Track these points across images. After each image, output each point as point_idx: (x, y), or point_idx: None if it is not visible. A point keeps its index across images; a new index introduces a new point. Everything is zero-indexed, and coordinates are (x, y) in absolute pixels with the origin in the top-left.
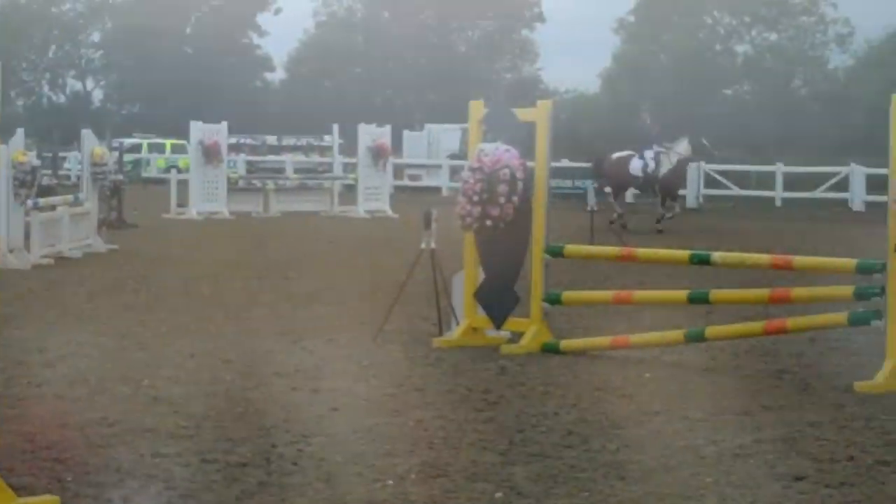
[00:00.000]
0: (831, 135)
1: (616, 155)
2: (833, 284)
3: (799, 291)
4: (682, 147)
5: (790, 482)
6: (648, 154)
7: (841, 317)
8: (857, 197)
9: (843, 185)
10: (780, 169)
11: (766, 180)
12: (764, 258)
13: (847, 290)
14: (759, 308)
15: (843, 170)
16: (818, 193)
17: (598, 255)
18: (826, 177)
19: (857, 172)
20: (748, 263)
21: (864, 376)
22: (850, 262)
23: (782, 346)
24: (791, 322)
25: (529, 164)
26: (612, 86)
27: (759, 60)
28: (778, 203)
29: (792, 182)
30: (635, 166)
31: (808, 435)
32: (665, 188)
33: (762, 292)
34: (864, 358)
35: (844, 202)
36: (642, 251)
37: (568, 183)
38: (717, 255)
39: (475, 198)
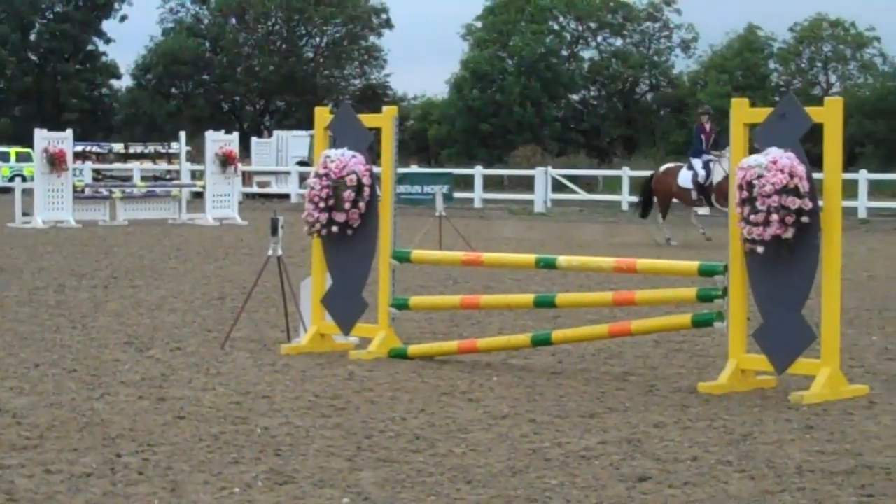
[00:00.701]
0: (676, 139)
1: (663, 167)
2: (677, 287)
3: (643, 294)
4: None
5: (634, 483)
6: (697, 163)
7: (685, 319)
8: None
9: None
10: (626, 173)
11: (613, 184)
12: (608, 262)
13: (690, 292)
14: (606, 311)
15: None
16: None
17: (446, 261)
18: None
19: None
20: (592, 267)
21: (708, 377)
22: (692, 264)
23: (628, 348)
24: (635, 325)
25: (376, 169)
26: (460, 91)
27: (604, 66)
28: (625, 207)
29: (639, 186)
30: (685, 178)
31: (653, 436)
32: (722, 197)
33: (606, 295)
34: (708, 359)
35: None
36: (488, 256)
37: (417, 189)
38: (562, 260)
39: (321, 204)
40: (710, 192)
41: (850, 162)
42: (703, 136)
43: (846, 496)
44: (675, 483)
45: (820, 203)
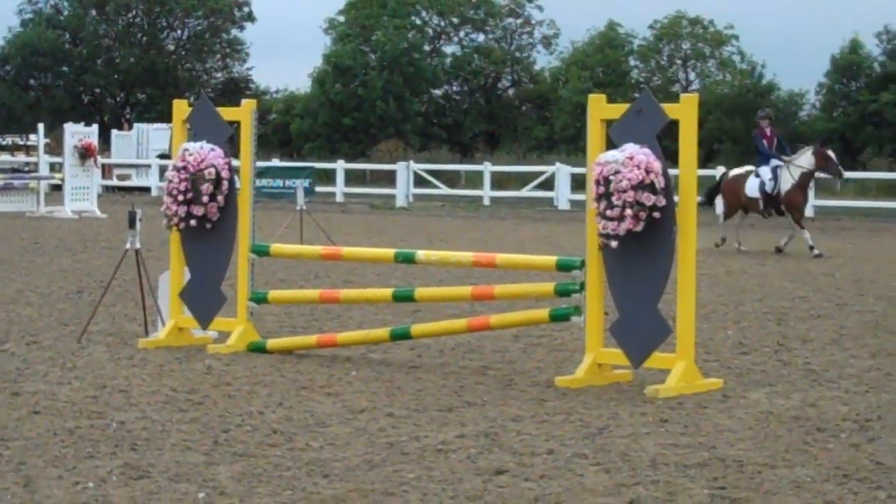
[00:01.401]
0: (538, 134)
1: (732, 173)
2: (537, 282)
3: (501, 289)
4: (805, 159)
5: (491, 476)
6: (765, 172)
7: (542, 313)
8: (563, 195)
9: (549, 183)
10: (487, 168)
11: (475, 179)
12: (467, 256)
13: (549, 286)
14: (466, 306)
15: (549, 169)
16: (525, 192)
17: (305, 255)
18: (533, 176)
19: (563, 171)
20: (452, 262)
21: (566, 371)
22: (550, 259)
23: (487, 342)
24: (494, 319)
25: (235, 163)
26: (323, 85)
27: (467, 61)
28: (486, 202)
29: (500, 181)
30: (752, 187)
31: (510, 429)
32: (791, 206)
33: (465, 290)
34: (566, 353)
35: (550, 200)
36: (347, 250)
37: (279, 183)
38: (421, 254)
39: (180, 197)
40: (778, 202)
41: (709, 158)
42: (764, 142)
43: (699, 488)
44: (532, 476)
45: (675, 198)
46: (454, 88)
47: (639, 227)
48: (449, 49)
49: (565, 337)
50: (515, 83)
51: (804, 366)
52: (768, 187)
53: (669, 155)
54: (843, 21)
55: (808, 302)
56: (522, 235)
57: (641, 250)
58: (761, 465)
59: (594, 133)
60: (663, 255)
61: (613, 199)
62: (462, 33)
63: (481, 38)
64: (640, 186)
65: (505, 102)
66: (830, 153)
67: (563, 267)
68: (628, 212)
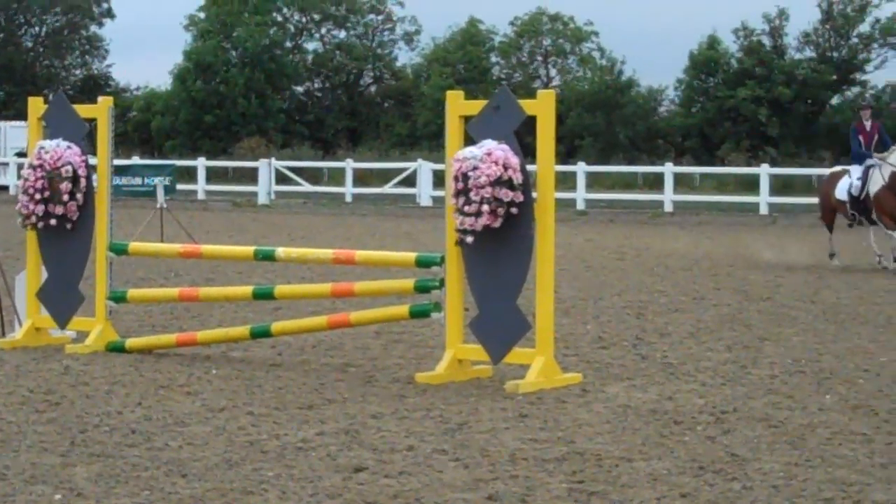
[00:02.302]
0: (400, 131)
1: (830, 171)
2: (399, 278)
3: (362, 286)
4: None
5: (350, 473)
6: (856, 171)
7: (402, 310)
8: (425, 192)
9: (411, 180)
10: (350, 165)
11: (338, 176)
12: (327, 253)
13: (408, 283)
14: (327, 303)
15: (411, 165)
16: (388, 189)
17: (164, 253)
18: (395, 172)
19: (425, 168)
20: (311, 259)
21: (426, 367)
22: (410, 255)
23: (348, 339)
24: (354, 316)
25: (93, 160)
26: (184, 82)
27: (328, 57)
28: (349, 199)
29: (362, 178)
30: (841, 188)
31: (370, 426)
32: (881, 210)
33: (325, 287)
34: (427, 349)
35: (413, 197)
36: (207, 248)
37: (138, 180)
38: (280, 251)
39: (37, 196)
40: (868, 206)
41: (570, 154)
42: (860, 138)
43: (557, 483)
44: (391, 473)
45: (534, 194)
46: (316, 85)
47: (497, 224)
48: (311, 46)
49: (426, 333)
50: (377, 80)
51: (662, 359)
52: (854, 189)
53: (529, 151)
54: (700, 18)
55: (666, 296)
56: (384, 232)
57: (500, 246)
58: (618, 459)
59: (452, 129)
60: (522, 251)
61: (472, 195)
62: (324, 30)
63: (343, 34)
64: (498, 182)
65: (367, 99)
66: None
67: (423, 263)
68: (486, 208)
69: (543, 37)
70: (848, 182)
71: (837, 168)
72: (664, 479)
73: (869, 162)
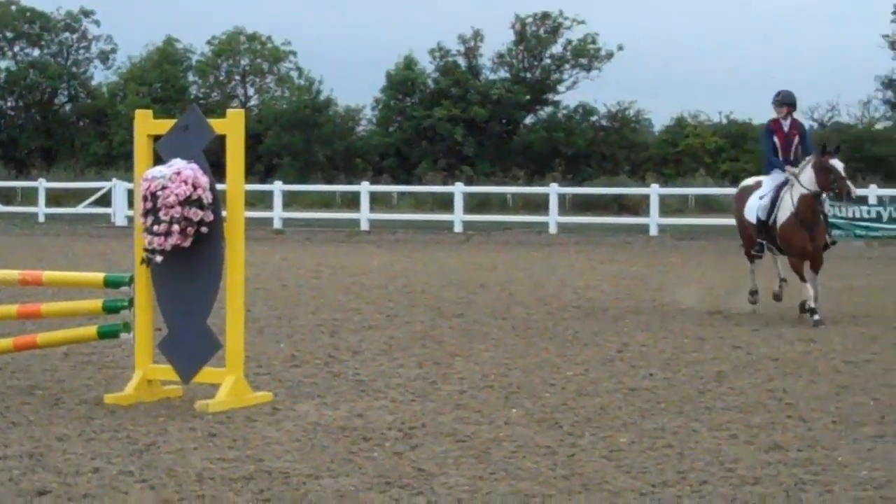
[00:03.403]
0: (96, 150)
1: (744, 183)
2: (90, 298)
3: (49, 307)
4: (806, 176)
5: (34, 497)
6: (767, 185)
7: (90, 331)
8: (120, 211)
9: (106, 199)
10: (42, 184)
11: (31, 196)
12: (13, 274)
13: (97, 303)
14: (16, 324)
15: (106, 185)
16: (81, 209)
17: None
18: (90, 192)
19: (120, 187)
20: None
21: (116, 388)
22: (98, 276)
23: (36, 361)
24: (41, 337)
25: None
26: None
27: (21, 76)
28: (41, 219)
29: (56, 197)
30: (751, 207)
31: (55, 449)
32: (788, 244)
33: (11, 308)
34: (117, 370)
35: (108, 217)
36: None
37: None
38: None
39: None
40: (773, 234)
41: (269, 173)
42: (775, 140)
43: (244, 501)
44: (75, 496)
45: (224, 213)
46: (9, 104)
47: (187, 243)
48: (3, 64)
49: (117, 354)
50: (73, 98)
51: (354, 377)
52: (762, 210)
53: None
54: (397, 38)
55: (360, 314)
56: (78, 252)
57: (189, 266)
58: (307, 476)
59: (141, 149)
60: (212, 271)
61: (161, 214)
62: (17, 48)
63: (37, 52)
64: (187, 202)
65: (62, 118)
66: (834, 163)
67: (112, 283)
68: (176, 227)
69: (241, 56)
70: (757, 199)
71: (750, 181)
72: (351, 496)
73: (782, 177)
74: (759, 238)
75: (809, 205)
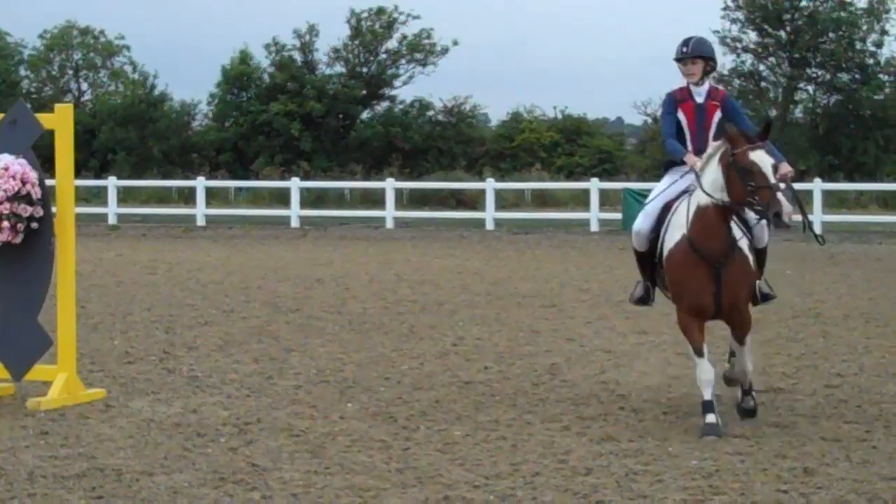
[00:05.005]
0: None
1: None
2: None
3: None
4: (708, 177)
5: None
6: (659, 188)
7: None
8: None
9: None
10: None
11: None
12: None
13: None
14: None
15: None
16: None
17: None
18: None
19: None
20: None
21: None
22: None
23: None
24: None
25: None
26: None
27: None
28: None
29: None
30: (639, 221)
31: None
32: (676, 289)
33: None
34: None
35: None
36: None
37: None
38: None
39: None
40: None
41: (104, 169)
42: (681, 117)
43: (76, 499)
44: None
45: (53, 209)
46: None
47: (17, 239)
48: None
49: None
50: None
51: (189, 373)
52: (642, 232)
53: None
54: (233, 32)
55: (196, 310)
56: None
57: (19, 262)
58: (140, 473)
59: None
60: (42, 266)
61: None
62: None
63: None
64: (16, 198)
65: None
66: (758, 158)
67: None
68: (6, 224)
69: (74, 50)
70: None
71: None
72: (185, 492)
73: (682, 178)
74: (644, 277)
75: (712, 225)
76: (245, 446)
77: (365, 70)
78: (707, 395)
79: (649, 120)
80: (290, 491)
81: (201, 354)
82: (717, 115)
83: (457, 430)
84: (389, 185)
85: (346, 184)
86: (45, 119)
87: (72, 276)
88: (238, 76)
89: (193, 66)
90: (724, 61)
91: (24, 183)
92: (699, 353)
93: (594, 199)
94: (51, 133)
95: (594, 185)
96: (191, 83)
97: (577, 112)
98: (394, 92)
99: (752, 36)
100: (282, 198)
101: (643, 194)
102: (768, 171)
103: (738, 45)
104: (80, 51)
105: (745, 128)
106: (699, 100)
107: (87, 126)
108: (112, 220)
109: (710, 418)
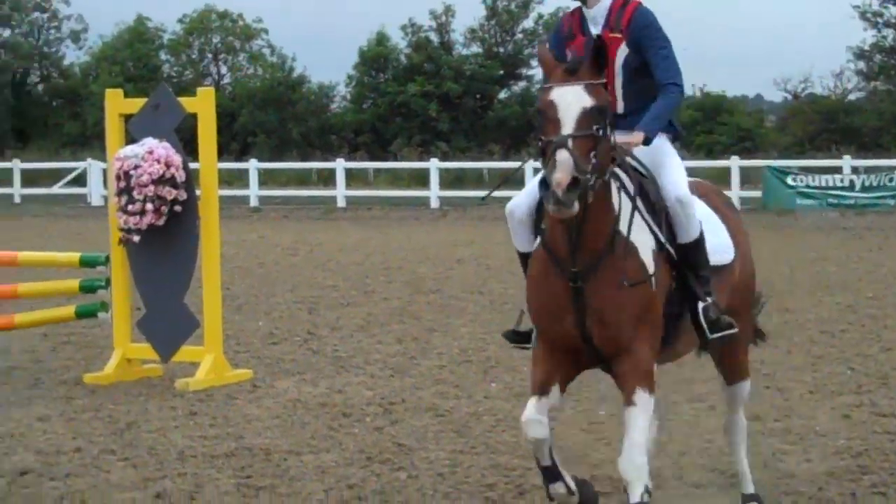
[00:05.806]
0: (70, 130)
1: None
2: (68, 279)
3: (26, 287)
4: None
5: (15, 477)
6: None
7: (69, 310)
8: (96, 191)
9: (82, 179)
10: (17, 165)
11: (5, 177)
12: None
13: (74, 283)
14: None
15: (80, 165)
16: (57, 189)
17: None
18: (66, 172)
19: (95, 167)
20: None
21: (95, 368)
22: (74, 255)
23: (15, 342)
24: (19, 318)
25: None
26: None
27: None
28: (17, 200)
29: (31, 178)
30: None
31: (36, 429)
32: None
33: None
34: (96, 350)
35: (84, 197)
36: None
37: None
38: None
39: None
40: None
41: (244, 152)
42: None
43: (225, 478)
44: (57, 475)
45: (198, 192)
46: None
47: (161, 222)
48: None
49: (96, 333)
50: (45, 79)
51: (332, 353)
52: (522, 210)
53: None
54: (369, 14)
55: (337, 291)
56: (55, 232)
57: (165, 244)
58: (287, 453)
59: (112, 128)
60: (187, 249)
61: (134, 193)
62: None
63: (7, 32)
64: (160, 181)
65: (35, 99)
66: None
67: (88, 263)
68: (150, 206)
69: (213, 34)
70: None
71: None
72: (332, 472)
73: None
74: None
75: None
76: (390, 426)
77: (501, 50)
78: (543, 460)
79: (789, 97)
80: (436, 470)
81: (344, 335)
82: (623, 53)
83: (601, 410)
84: (529, 165)
85: (485, 164)
86: (187, 103)
87: (216, 258)
88: (375, 58)
89: (331, 49)
90: (865, 36)
91: (168, 166)
92: (533, 391)
93: (734, 178)
94: (192, 117)
95: (734, 164)
96: (328, 65)
97: (716, 90)
98: (531, 72)
99: (894, 10)
100: (420, 179)
101: (786, 172)
102: (565, 117)
103: (880, 19)
104: (219, 34)
105: (666, 76)
106: (594, 30)
107: (227, 109)
108: (254, 203)
109: (557, 487)
